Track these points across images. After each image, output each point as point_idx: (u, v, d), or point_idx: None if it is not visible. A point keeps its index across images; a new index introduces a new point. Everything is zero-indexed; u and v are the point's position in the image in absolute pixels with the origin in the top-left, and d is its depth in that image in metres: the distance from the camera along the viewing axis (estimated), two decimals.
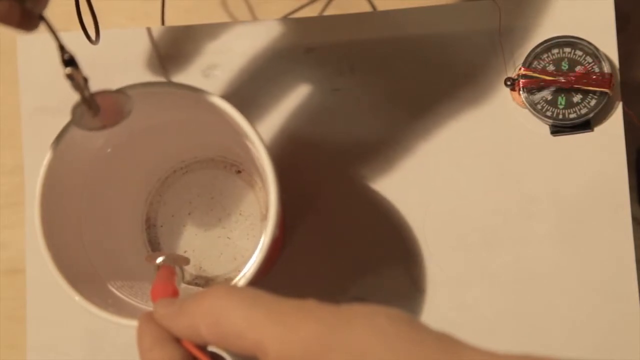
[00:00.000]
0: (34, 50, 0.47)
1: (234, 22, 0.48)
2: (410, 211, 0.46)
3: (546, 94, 0.45)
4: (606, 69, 0.45)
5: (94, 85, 0.38)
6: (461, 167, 0.46)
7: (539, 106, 0.45)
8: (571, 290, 0.45)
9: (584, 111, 0.45)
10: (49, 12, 0.31)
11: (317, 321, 0.25)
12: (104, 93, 0.32)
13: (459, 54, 0.47)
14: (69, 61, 0.30)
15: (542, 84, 0.45)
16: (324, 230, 0.47)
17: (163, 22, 0.49)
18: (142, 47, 0.47)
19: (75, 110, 0.31)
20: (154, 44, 0.47)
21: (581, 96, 0.45)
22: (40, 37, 0.43)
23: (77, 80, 0.30)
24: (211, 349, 0.30)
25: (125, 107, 0.33)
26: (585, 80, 0.45)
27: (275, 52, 0.47)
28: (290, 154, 0.47)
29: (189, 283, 0.46)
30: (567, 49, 0.45)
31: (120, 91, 0.33)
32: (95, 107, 0.31)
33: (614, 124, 0.45)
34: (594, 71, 0.45)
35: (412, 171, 0.46)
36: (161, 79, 0.47)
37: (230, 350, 0.28)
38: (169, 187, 0.46)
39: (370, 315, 0.25)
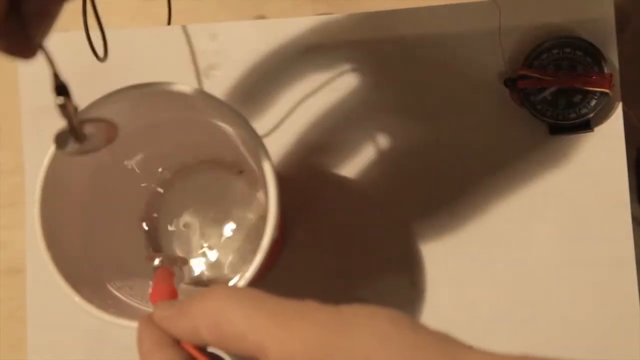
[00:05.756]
0: None
1: (234, 22, 0.48)
2: (410, 211, 0.46)
3: (546, 94, 0.45)
4: (606, 69, 0.45)
5: (95, 85, 0.39)
6: (461, 167, 0.46)
7: (538, 106, 0.45)
8: (571, 290, 0.45)
9: (584, 111, 0.45)
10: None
11: (318, 323, 0.25)
12: (91, 121, 0.32)
13: (459, 54, 0.47)
14: (62, 89, 0.29)
15: (541, 84, 0.45)
16: (323, 230, 0.47)
17: (169, 22, 0.49)
18: (142, 47, 0.47)
19: (59, 136, 0.31)
20: (154, 44, 0.47)
21: (581, 96, 0.45)
22: None
23: (68, 109, 0.30)
24: (211, 349, 0.30)
25: (110, 134, 0.33)
26: (585, 80, 0.45)
27: (275, 52, 0.47)
28: (289, 154, 0.47)
29: (188, 284, 0.46)
30: (567, 49, 0.45)
31: (107, 120, 0.33)
32: (81, 136, 0.31)
33: (614, 124, 0.45)
34: (594, 71, 0.45)
35: (412, 171, 0.46)
36: (162, 79, 0.47)
37: (230, 352, 0.28)
38: (170, 188, 0.46)
39: (371, 317, 0.25)
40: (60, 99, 0.29)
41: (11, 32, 0.27)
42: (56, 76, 0.29)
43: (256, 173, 0.45)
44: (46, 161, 0.37)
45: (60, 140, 0.31)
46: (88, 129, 0.31)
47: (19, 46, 0.27)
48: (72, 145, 0.31)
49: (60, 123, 0.37)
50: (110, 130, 0.33)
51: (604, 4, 0.46)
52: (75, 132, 0.31)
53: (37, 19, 0.27)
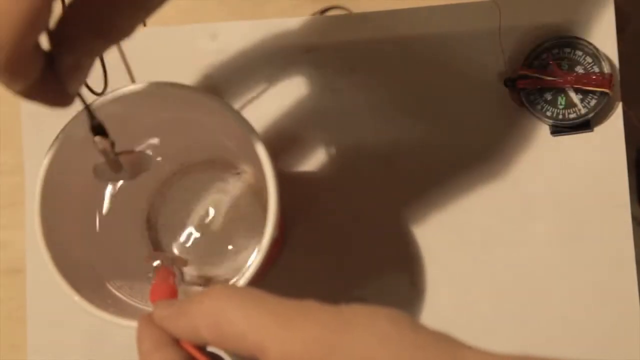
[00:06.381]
0: None
1: (234, 22, 0.48)
2: (410, 211, 0.46)
3: (546, 94, 0.45)
4: (606, 69, 0.45)
5: (95, 86, 0.39)
6: (461, 167, 0.46)
7: (538, 106, 0.45)
8: (571, 290, 0.45)
9: (584, 111, 0.45)
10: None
11: (318, 323, 0.25)
12: (127, 154, 0.34)
13: (459, 54, 0.47)
14: (98, 129, 0.32)
15: (541, 84, 0.45)
16: (323, 230, 0.47)
17: (144, 24, 0.49)
18: (141, 47, 0.47)
19: (97, 167, 0.34)
20: (154, 43, 0.47)
21: (581, 96, 0.45)
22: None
23: (105, 146, 0.32)
24: (210, 349, 0.30)
25: (144, 164, 0.36)
26: (585, 80, 0.45)
27: (275, 52, 0.47)
28: (289, 154, 0.47)
29: (188, 284, 0.46)
30: (567, 49, 0.45)
31: (140, 151, 0.36)
32: (117, 167, 0.34)
33: (614, 124, 0.45)
34: (594, 71, 0.45)
35: (412, 171, 0.46)
36: (161, 79, 0.47)
37: (230, 351, 0.28)
38: (170, 188, 0.46)
39: (371, 317, 0.25)
40: (99, 138, 0.32)
41: (48, 87, 0.28)
42: (92, 117, 0.32)
43: (256, 172, 0.45)
44: (46, 161, 0.37)
45: (99, 171, 0.35)
46: (123, 160, 0.34)
47: (56, 97, 0.29)
48: (109, 174, 0.35)
49: (60, 122, 0.37)
50: (143, 160, 0.36)
51: (604, 4, 0.46)
52: (112, 164, 0.34)
53: (71, 72, 0.28)
